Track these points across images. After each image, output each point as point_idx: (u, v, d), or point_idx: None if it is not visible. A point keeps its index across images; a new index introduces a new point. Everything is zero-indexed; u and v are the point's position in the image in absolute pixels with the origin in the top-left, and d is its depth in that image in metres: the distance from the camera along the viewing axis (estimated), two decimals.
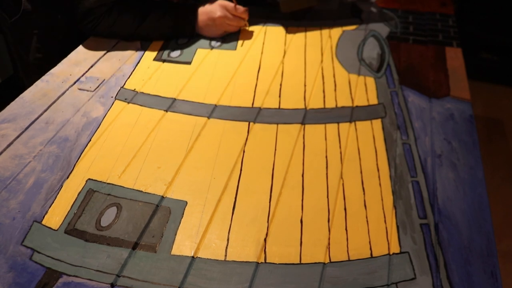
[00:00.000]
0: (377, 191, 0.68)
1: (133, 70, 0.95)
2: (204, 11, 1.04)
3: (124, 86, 0.90)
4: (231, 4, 1.04)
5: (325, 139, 0.78)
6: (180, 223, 0.63)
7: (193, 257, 0.59)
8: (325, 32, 1.10)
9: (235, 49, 1.02)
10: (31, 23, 1.05)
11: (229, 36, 1.07)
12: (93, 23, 1.01)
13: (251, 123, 0.81)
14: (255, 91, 0.89)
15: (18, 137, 0.77)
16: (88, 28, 1.02)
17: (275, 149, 0.75)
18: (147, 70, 0.95)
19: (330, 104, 0.86)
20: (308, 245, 0.60)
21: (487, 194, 0.68)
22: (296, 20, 1.15)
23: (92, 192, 0.67)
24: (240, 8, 1.05)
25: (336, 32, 1.10)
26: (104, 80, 0.92)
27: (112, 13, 1.00)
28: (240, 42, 1.05)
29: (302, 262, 0.58)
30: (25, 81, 1.13)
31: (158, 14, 1.02)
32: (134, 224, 0.63)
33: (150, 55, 1.00)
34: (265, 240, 0.61)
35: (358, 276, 0.56)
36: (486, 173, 0.71)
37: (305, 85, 0.91)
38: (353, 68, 0.96)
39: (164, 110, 0.84)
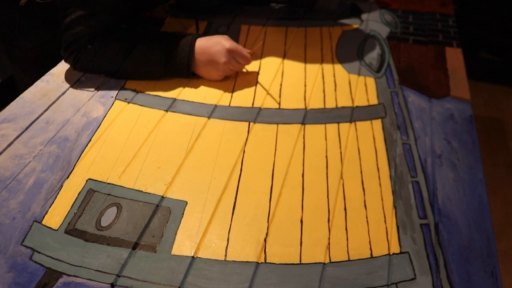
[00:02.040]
0: (377, 191, 0.68)
1: None
2: (205, 50, 0.86)
3: (124, 86, 0.90)
4: (237, 48, 0.86)
5: (325, 139, 0.78)
6: (180, 223, 0.63)
7: (193, 257, 0.59)
8: (325, 32, 1.10)
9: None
10: (27, 38, 1.02)
11: (229, 36, 1.07)
12: (74, 54, 0.89)
13: (251, 123, 0.81)
14: (255, 91, 0.89)
15: (18, 137, 0.77)
16: (70, 61, 0.91)
17: (275, 149, 0.75)
18: None
19: (330, 104, 0.86)
20: (308, 245, 0.60)
21: (487, 194, 0.68)
22: (296, 20, 1.15)
23: (92, 192, 0.67)
24: (246, 53, 0.88)
25: (336, 32, 1.10)
26: (104, 80, 0.92)
27: (94, 44, 0.88)
28: (240, 42, 1.05)
29: (302, 262, 0.58)
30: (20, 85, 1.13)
31: (146, 47, 0.87)
32: (134, 224, 0.63)
33: None
34: (265, 240, 0.61)
35: (358, 276, 0.57)
36: (486, 173, 0.71)
37: (305, 85, 0.91)
38: (353, 68, 0.96)
39: (164, 110, 0.84)
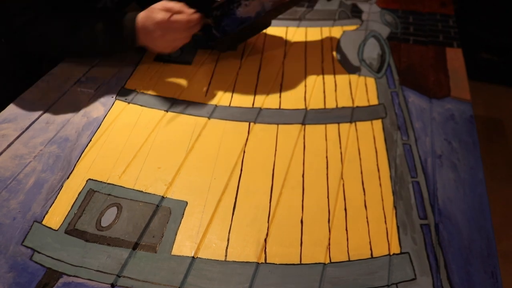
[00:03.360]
0: (378, 192, 0.68)
1: (134, 70, 0.95)
2: (144, 15, 0.83)
3: (125, 86, 0.90)
4: (176, 5, 0.81)
5: (326, 139, 0.78)
6: (180, 223, 0.63)
7: (193, 257, 0.59)
8: (326, 32, 1.10)
9: (236, 49, 1.02)
10: None
11: None
12: (18, 34, 0.85)
13: (251, 123, 0.81)
14: (255, 91, 0.89)
15: (18, 137, 0.77)
16: (16, 42, 0.88)
17: (276, 149, 0.75)
18: (147, 70, 0.95)
19: (331, 104, 0.86)
20: (308, 246, 0.60)
21: (487, 194, 0.68)
22: (296, 20, 1.15)
23: (92, 192, 0.67)
24: (186, 10, 0.83)
25: (337, 32, 1.10)
26: (105, 80, 0.92)
27: (37, 21, 0.85)
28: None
29: (302, 262, 0.58)
30: None
31: (91, 22, 0.85)
32: (134, 224, 0.63)
33: (150, 55, 1.00)
34: (265, 240, 0.61)
35: (358, 277, 0.56)
36: (486, 174, 0.71)
37: (305, 86, 0.91)
38: (353, 69, 0.96)
39: (165, 110, 0.84)
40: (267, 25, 0.97)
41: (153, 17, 0.82)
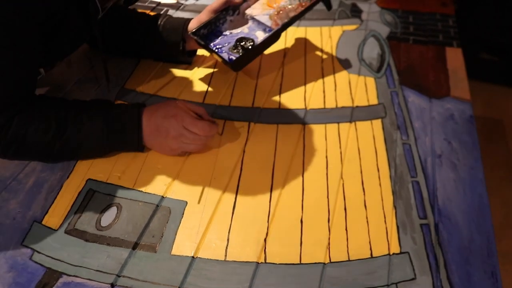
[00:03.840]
0: (377, 191, 0.68)
1: (133, 70, 0.95)
2: (152, 121, 0.70)
3: (124, 86, 0.90)
4: (189, 118, 0.70)
5: (325, 139, 0.78)
6: (180, 223, 0.63)
7: (193, 257, 0.59)
8: (325, 32, 1.10)
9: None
10: None
11: None
12: None
13: (251, 123, 0.81)
14: (255, 91, 0.89)
15: None
16: None
17: (275, 149, 0.75)
18: (147, 70, 0.95)
19: (330, 104, 0.86)
20: (308, 245, 0.60)
21: (487, 194, 0.68)
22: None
23: (92, 192, 0.67)
24: (205, 125, 0.70)
25: (336, 32, 1.10)
26: (105, 80, 0.91)
27: (14, 123, 0.66)
28: None
29: (302, 262, 0.58)
30: None
31: (85, 119, 0.68)
32: (134, 224, 0.63)
33: None
34: (265, 240, 0.61)
35: (358, 276, 0.57)
36: (486, 173, 0.71)
37: (305, 85, 0.91)
38: (353, 68, 0.96)
39: None
40: (278, 38, 0.91)
41: (164, 131, 0.70)
